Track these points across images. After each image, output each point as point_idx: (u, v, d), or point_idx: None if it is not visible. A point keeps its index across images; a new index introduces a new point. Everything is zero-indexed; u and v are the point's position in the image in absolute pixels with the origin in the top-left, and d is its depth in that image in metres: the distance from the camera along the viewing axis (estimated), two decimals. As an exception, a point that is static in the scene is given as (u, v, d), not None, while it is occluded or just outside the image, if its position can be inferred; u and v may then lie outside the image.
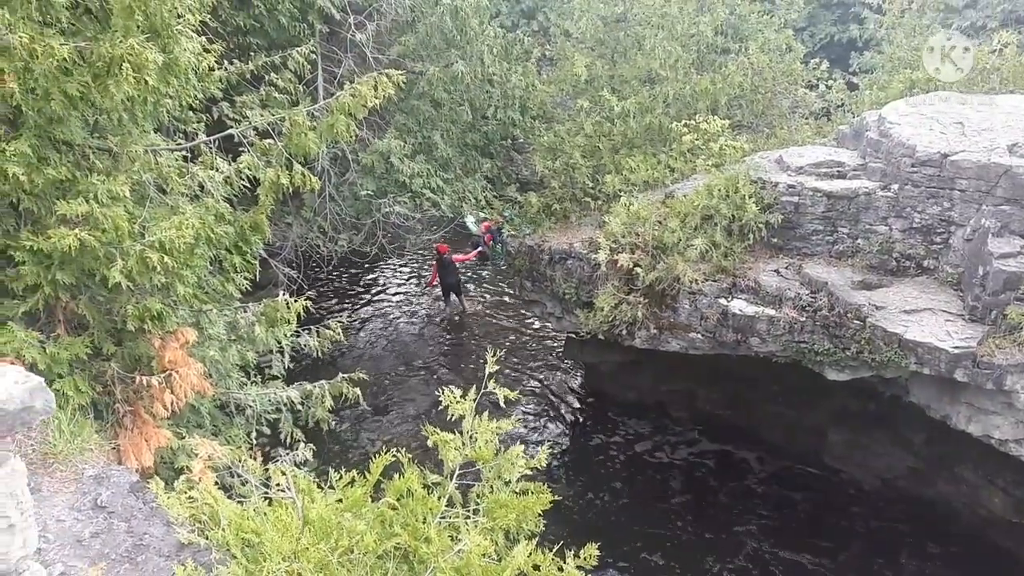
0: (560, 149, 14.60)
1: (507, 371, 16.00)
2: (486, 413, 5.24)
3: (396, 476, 4.93)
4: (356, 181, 12.97)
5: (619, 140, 14.74)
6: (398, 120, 13.59)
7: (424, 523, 4.67)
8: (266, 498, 5.09)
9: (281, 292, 8.67)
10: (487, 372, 5.22)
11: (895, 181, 11.23)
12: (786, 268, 11.73)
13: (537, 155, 14.84)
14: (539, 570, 4.44)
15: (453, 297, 18.71)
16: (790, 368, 11.96)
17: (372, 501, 4.93)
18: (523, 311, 18.11)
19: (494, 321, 18.60)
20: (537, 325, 17.77)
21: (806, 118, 16.82)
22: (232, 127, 8.47)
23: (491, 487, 5.17)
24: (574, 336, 14.73)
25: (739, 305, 11.56)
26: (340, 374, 8.76)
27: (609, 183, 13.53)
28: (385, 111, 13.56)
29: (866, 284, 11.15)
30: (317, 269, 15.61)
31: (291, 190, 8.38)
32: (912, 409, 11.57)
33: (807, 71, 17.21)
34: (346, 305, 18.76)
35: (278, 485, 5.00)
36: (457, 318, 18.67)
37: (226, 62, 9.18)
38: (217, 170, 8.04)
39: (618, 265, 12.15)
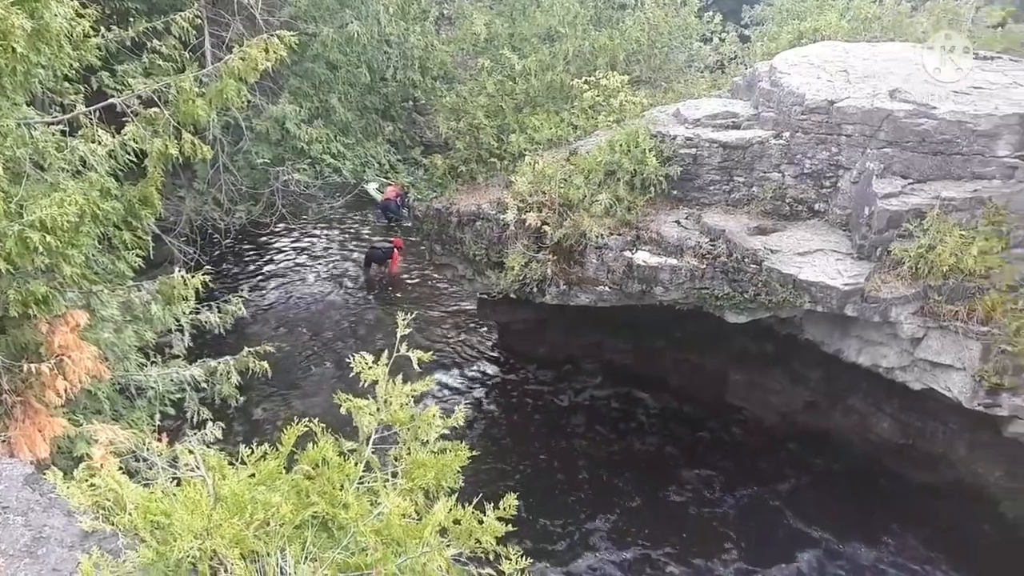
0: (463, 110, 14.44)
1: (421, 334, 15.97)
2: (400, 376, 5.21)
3: (310, 446, 4.86)
4: (251, 149, 12.48)
5: (522, 99, 14.70)
6: (292, 84, 13.12)
7: (341, 490, 4.62)
8: (175, 479, 4.94)
9: (177, 268, 8.32)
10: (398, 336, 5.17)
11: (786, 129, 11.66)
12: (686, 218, 12.07)
13: (440, 116, 14.65)
14: (460, 524, 4.48)
15: (373, 268, 18.60)
16: (693, 315, 12.40)
17: (287, 473, 4.85)
18: (435, 275, 18.05)
19: (407, 286, 18.46)
20: (449, 288, 17.75)
21: (701, 71, 17.21)
22: (114, 97, 7.98)
23: (408, 449, 5.16)
24: (486, 296, 14.80)
25: (643, 256, 11.85)
26: (245, 349, 8.52)
27: (514, 142, 13.52)
28: (278, 75, 13.06)
29: (761, 229, 11.61)
30: (215, 243, 15.05)
31: (181, 161, 8.00)
32: (807, 346, 12.22)
33: (701, 25, 17.55)
34: (249, 278, 18.22)
35: (186, 465, 4.85)
36: (375, 286, 18.50)
37: (103, 29, 8.62)
38: (100, 143, 7.57)
39: (526, 224, 12.23)
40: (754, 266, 11.17)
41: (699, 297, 11.74)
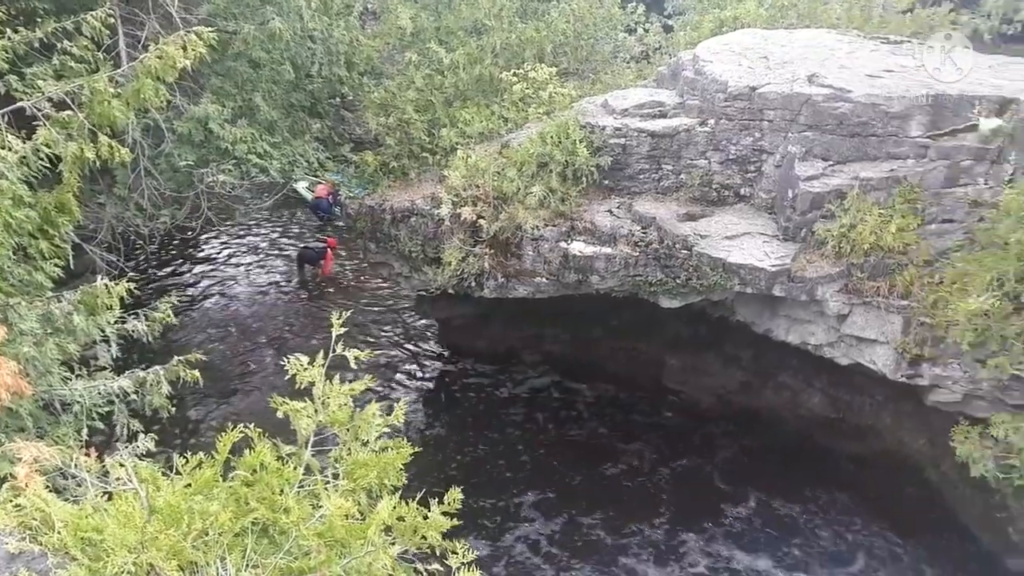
0: (392, 105, 14.28)
1: (360, 333, 15.83)
2: (337, 377, 5.15)
3: (247, 452, 4.77)
4: (173, 152, 12.04)
5: (451, 93, 14.62)
6: (214, 83, 12.73)
7: (281, 494, 4.55)
8: (106, 494, 4.77)
9: (100, 277, 8.01)
10: (333, 336, 5.11)
11: (711, 116, 11.91)
12: (618, 207, 12.23)
13: (369, 112, 14.44)
14: (404, 521, 4.46)
15: (306, 269, 18.34)
16: (628, 302, 12.60)
17: (224, 480, 4.74)
18: (371, 273, 17.86)
19: (342, 285, 18.24)
20: (386, 286, 17.60)
21: (627, 62, 17.41)
22: (23, 100, 7.63)
23: (349, 449, 5.12)
24: (424, 293, 14.73)
25: (578, 247, 11.97)
26: (175, 357, 8.27)
27: (445, 137, 13.45)
28: (199, 74, 12.65)
29: (691, 215, 11.85)
30: (140, 250, 14.57)
31: (99, 165, 7.69)
32: (738, 328, 12.55)
33: (626, 16, 17.77)
34: (177, 285, 17.71)
35: (118, 479, 4.70)
36: (309, 286, 18.22)
37: (9, 31, 8.21)
38: (10, 149, 7.23)
39: (462, 218, 12.20)
40: (685, 252, 11.40)
41: (634, 284, 11.93)
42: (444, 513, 4.89)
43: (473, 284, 12.52)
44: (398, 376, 15.45)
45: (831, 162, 11.07)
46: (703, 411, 14.16)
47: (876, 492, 12.06)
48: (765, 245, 11.17)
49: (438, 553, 4.88)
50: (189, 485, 4.63)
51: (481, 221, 12.07)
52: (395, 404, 5.56)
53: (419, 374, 15.62)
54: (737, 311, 12.26)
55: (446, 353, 16.17)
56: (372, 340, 16.10)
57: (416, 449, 5.10)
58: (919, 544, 11.26)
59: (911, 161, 10.75)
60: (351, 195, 14.04)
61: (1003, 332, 9.53)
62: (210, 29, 7.62)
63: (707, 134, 11.91)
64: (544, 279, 12.30)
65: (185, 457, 4.89)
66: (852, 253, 10.51)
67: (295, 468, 4.87)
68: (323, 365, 4.96)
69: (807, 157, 11.14)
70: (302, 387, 5.00)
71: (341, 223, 17.30)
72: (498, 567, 11.08)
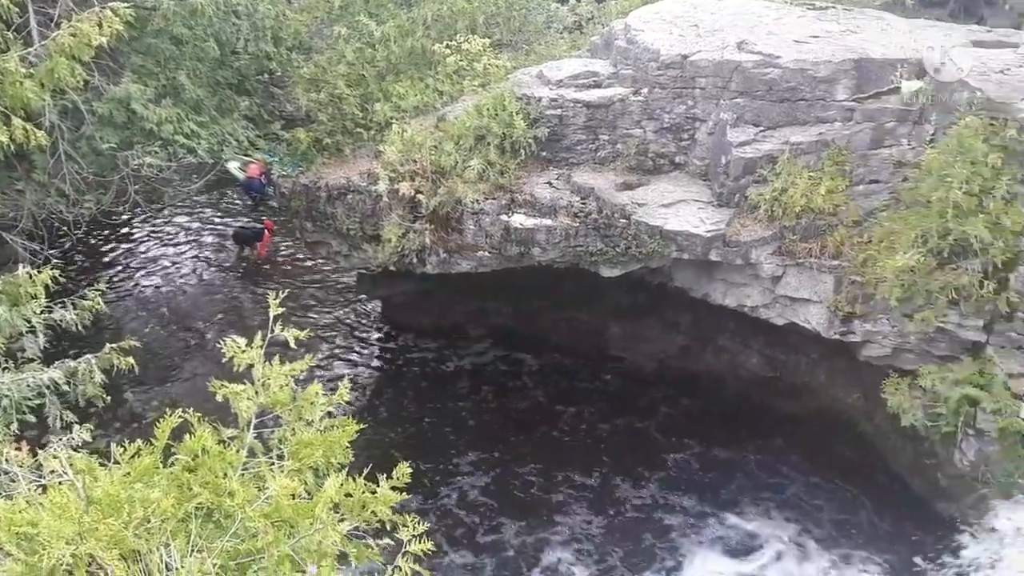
0: (323, 80, 13.97)
1: (301, 314, 15.62)
2: (276, 357, 5.07)
3: (187, 437, 4.67)
4: (95, 134, 11.56)
5: (383, 66, 14.37)
6: (135, 62, 12.23)
7: (225, 478, 4.48)
8: (41, 488, 4.63)
9: (22, 266, 7.69)
10: (271, 316, 5.01)
11: (644, 85, 12.00)
12: (557, 179, 12.27)
13: (299, 88, 14.10)
14: (352, 497, 4.44)
15: (243, 250, 17.99)
16: (570, 272, 12.69)
17: (165, 467, 4.64)
18: (309, 253, 17.55)
19: (280, 267, 17.91)
20: (326, 266, 17.34)
21: (560, 33, 17.35)
22: (-75, 83, 7.22)
23: (293, 429, 5.06)
24: (365, 271, 14.56)
25: (519, 219, 11.98)
26: (108, 345, 8.02)
27: (379, 111, 13.24)
28: (118, 53, 12.14)
29: (628, 185, 11.97)
30: (65, 237, 14.01)
31: (14, 150, 7.36)
32: (677, 293, 12.79)
33: (557, -15, 17.68)
34: (107, 271, 17.13)
35: (52, 472, 4.55)
36: (245, 268, 17.85)
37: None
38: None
39: (400, 194, 12.06)
40: (623, 221, 11.52)
41: (575, 255, 12.01)
42: (393, 488, 4.89)
43: (415, 260, 12.42)
44: (341, 355, 15.30)
45: (762, 128, 11.29)
46: (645, 376, 14.42)
47: (813, 446, 12.49)
48: (700, 211, 11.36)
49: (388, 528, 4.88)
50: (129, 474, 4.52)
51: (420, 196, 11.96)
52: (339, 383, 5.51)
53: (363, 352, 15.51)
54: (675, 277, 12.47)
55: (390, 331, 16.07)
56: (313, 320, 15.87)
57: (362, 426, 5.06)
58: (855, 493, 11.73)
59: (838, 124, 11.05)
60: (284, 174, 13.74)
61: (928, 287, 9.93)
62: (126, 5, 7.34)
63: (641, 103, 12.00)
64: (486, 253, 12.29)
65: (123, 446, 4.77)
66: (784, 216, 10.78)
67: (238, 451, 4.79)
68: (261, 346, 4.86)
69: (739, 123, 11.34)
70: (240, 370, 4.91)
71: (275, 203, 16.93)
72: (431, 518, 11.22)
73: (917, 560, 10.46)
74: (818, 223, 10.79)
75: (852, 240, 10.72)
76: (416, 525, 4.73)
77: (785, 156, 10.85)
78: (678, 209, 11.44)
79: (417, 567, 4.56)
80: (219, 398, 5.01)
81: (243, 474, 4.76)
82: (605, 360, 14.79)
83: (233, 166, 17.76)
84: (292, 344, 4.99)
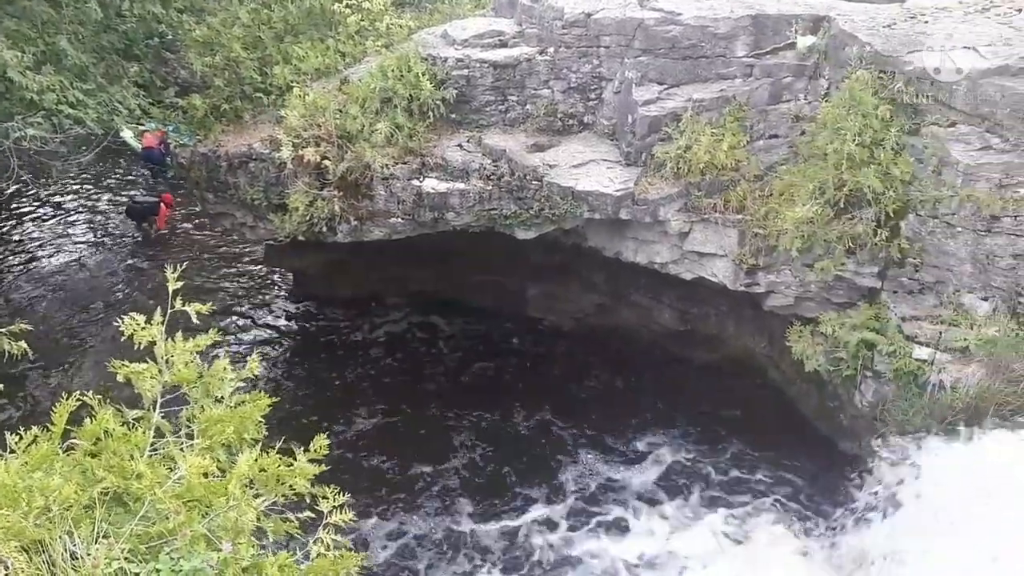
0: (217, 43, 13.32)
1: (205, 288, 15.13)
2: (179, 334, 4.88)
3: (87, 421, 4.47)
4: (-32, 105, 10.78)
5: (281, 27, 13.82)
6: (8, 27, 11.36)
7: (132, 460, 4.31)
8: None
9: None
10: (170, 290, 4.81)
11: (550, 44, 11.95)
12: (468, 141, 12.15)
13: (192, 52, 13.42)
14: (267, 472, 4.35)
15: (142, 225, 17.22)
16: (486, 235, 12.65)
17: (66, 453, 4.44)
18: (213, 226, 16.92)
19: (183, 240, 17.23)
20: (232, 238, 16.76)
21: (464, -9, 17.07)
22: None
23: (202, 406, 4.90)
24: (273, 243, 14.14)
25: (431, 184, 11.83)
26: (-2, 330, 7.57)
27: (279, 75, 12.76)
28: (-11, 17, 11.27)
29: (539, 146, 11.96)
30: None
31: None
32: (591, 253, 12.95)
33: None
34: (-8, 252, 16.14)
35: (-61, 468, 4.28)
36: (144, 242, 17.10)
37: None
38: None
39: (305, 160, 11.71)
40: (536, 183, 11.53)
41: (489, 218, 11.96)
42: (312, 460, 4.82)
43: (324, 229, 12.12)
44: (251, 329, 14.94)
45: (666, 86, 11.44)
46: (565, 334, 14.67)
47: (725, 394, 12.98)
48: (609, 171, 11.48)
49: (308, 501, 4.82)
50: (27, 463, 4.30)
51: (326, 162, 11.64)
52: (249, 357, 5.37)
53: (275, 325, 15.17)
54: (589, 237, 12.61)
55: (303, 302, 15.74)
56: (222, 293, 15.41)
57: (274, 399, 4.96)
58: (765, 435, 12.27)
59: (739, 81, 11.29)
60: (181, 143, 13.13)
61: (826, 237, 10.37)
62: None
63: (548, 63, 11.96)
64: (399, 219, 12.11)
65: (19, 434, 4.53)
66: (689, 173, 11.00)
67: (144, 432, 4.62)
68: (162, 322, 4.67)
69: (643, 82, 11.45)
70: (141, 347, 4.71)
71: (172, 173, 16.21)
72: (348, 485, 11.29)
73: (820, 498, 11.09)
74: (721, 179, 11.06)
75: (754, 194, 11.04)
76: (336, 496, 4.68)
77: (688, 114, 11.04)
78: (588, 169, 11.52)
79: (338, 537, 4.53)
80: (120, 378, 4.81)
81: (151, 455, 4.60)
82: (525, 321, 14.94)
83: (128, 135, 16.89)
84: (194, 318, 4.80)
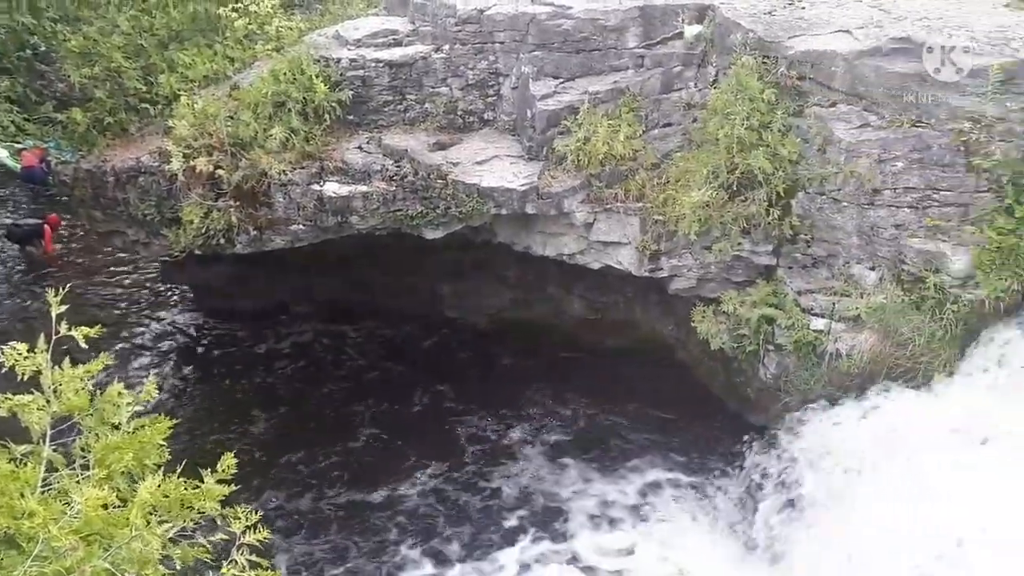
0: (96, 53, 12.71)
1: (98, 311, 14.39)
2: (66, 360, 4.64)
3: (-31, 461, 4.19)
4: None
5: (165, 34, 13.30)
6: None
7: (22, 498, 4.07)
8: None
9: None
10: (53, 315, 4.56)
11: (445, 42, 11.90)
12: (368, 143, 11.97)
13: (69, 64, 12.76)
14: (170, 497, 4.19)
15: (26, 250, 16.27)
16: (394, 238, 12.53)
17: (-54, 498, 4.15)
18: (104, 245, 16.14)
19: (71, 263, 16.35)
20: (125, 257, 16.04)
21: (355, -9, 16.81)
22: None
23: (97, 435, 4.67)
24: (169, 259, 13.58)
25: (332, 188, 11.62)
26: None
27: (165, 84, 12.29)
28: None
29: (441, 144, 11.89)
30: None
31: None
32: (501, 249, 12.99)
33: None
34: None
35: None
36: (27, 266, 16.15)
37: None
38: None
39: (197, 171, 11.30)
40: (440, 181, 11.46)
41: (395, 220, 11.83)
42: (220, 480, 4.66)
43: (222, 241, 11.73)
44: (148, 350, 14.36)
45: (562, 79, 11.56)
46: (479, 331, 14.67)
47: (638, 376, 13.26)
48: (512, 166, 11.53)
49: (218, 523, 4.67)
50: (-100, 513, 3.99)
51: (220, 172, 11.27)
52: (146, 380, 5.16)
53: (173, 346, 14.61)
54: (498, 233, 12.64)
55: (204, 319, 15.20)
56: (116, 315, 14.73)
57: (176, 421, 4.78)
58: (677, 414, 12.63)
59: (631, 72, 11.52)
60: (63, 160, 12.46)
61: (722, 219, 10.71)
62: None
63: (444, 60, 11.91)
64: (301, 226, 11.83)
65: None
66: (589, 164, 11.15)
67: (34, 467, 4.37)
68: (46, 350, 4.42)
69: (539, 76, 11.55)
70: (25, 378, 4.45)
71: (54, 191, 15.37)
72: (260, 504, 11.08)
73: (728, 469, 11.48)
74: (620, 169, 11.25)
75: (652, 182, 11.29)
76: (249, 515, 4.55)
77: (585, 106, 11.18)
78: (492, 165, 11.53)
79: (254, 557, 4.40)
80: (3, 412, 4.53)
81: (44, 491, 4.36)
82: (440, 321, 14.87)
83: (3, 154, 15.90)
84: (82, 343, 4.56)
